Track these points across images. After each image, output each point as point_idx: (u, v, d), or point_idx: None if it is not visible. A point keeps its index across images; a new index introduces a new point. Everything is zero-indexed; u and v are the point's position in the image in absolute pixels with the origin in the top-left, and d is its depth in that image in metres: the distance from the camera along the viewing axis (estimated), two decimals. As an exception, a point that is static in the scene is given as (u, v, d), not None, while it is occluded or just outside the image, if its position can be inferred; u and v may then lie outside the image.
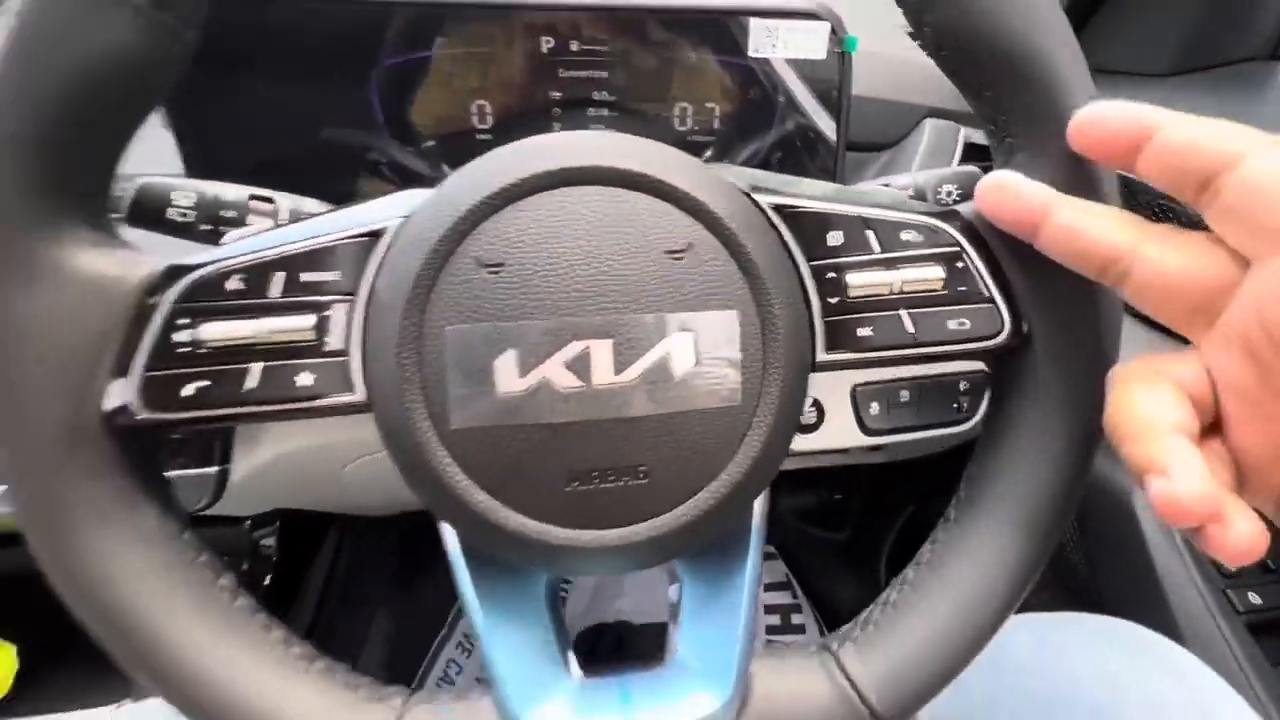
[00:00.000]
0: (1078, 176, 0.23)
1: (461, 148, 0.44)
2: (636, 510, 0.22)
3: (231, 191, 0.31)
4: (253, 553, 0.58)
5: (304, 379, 0.22)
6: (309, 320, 0.23)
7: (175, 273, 0.22)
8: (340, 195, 0.35)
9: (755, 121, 0.46)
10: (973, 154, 0.48)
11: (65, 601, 0.21)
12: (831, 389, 0.49)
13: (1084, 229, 0.21)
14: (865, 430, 0.53)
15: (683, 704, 0.24)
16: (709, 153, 0.45)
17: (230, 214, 0.31)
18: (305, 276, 0.23)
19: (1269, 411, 0.18)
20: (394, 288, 0.22)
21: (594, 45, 0.42)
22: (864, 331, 0.24)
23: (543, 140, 0.23)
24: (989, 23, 0.23)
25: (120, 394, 0.21)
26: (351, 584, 0.66)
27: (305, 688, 0.23)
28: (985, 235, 0.24)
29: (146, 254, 0.23)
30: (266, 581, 0.56)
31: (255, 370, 0.22)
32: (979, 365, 0.54)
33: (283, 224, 0.32)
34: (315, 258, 0.23)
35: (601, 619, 0.99)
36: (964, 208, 0.26)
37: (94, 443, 0.21)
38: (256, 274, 0.22)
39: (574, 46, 0.42)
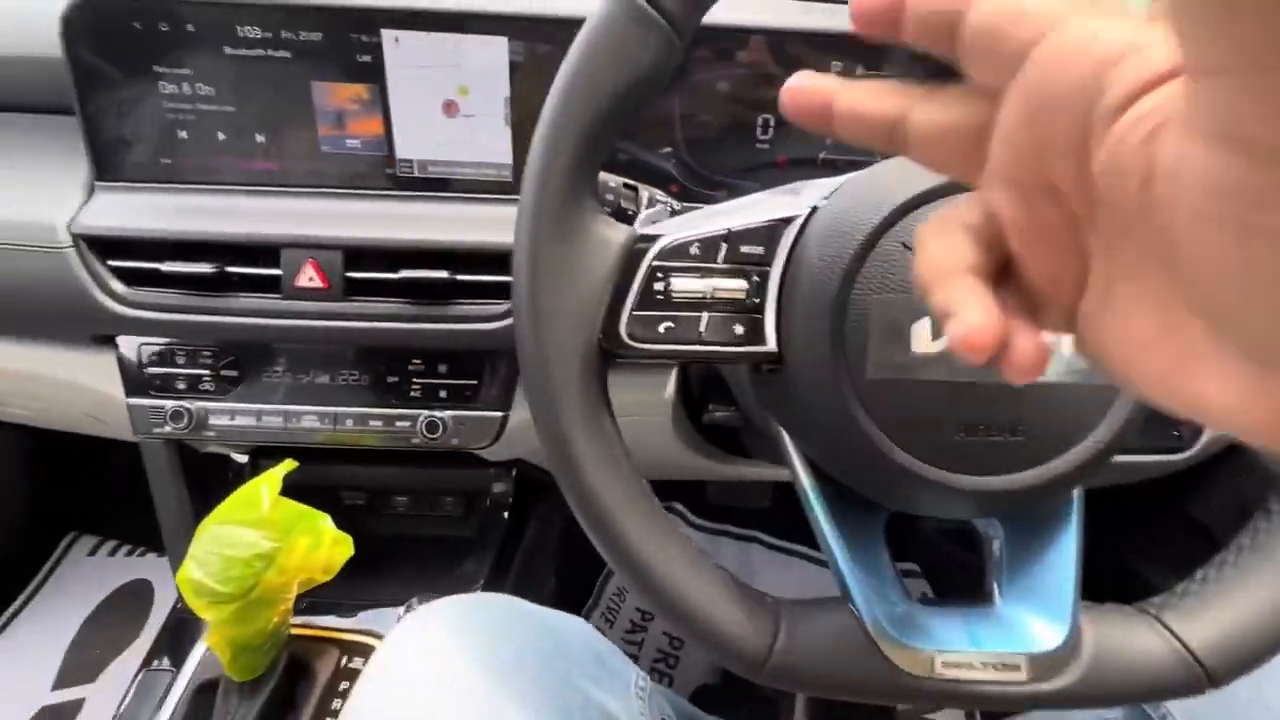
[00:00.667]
0: None
1: (731, 157, 0.50)
2: (1011, 462, 0.26)
3: (612, 179, 0.38)
4: (488, 494, 0.66)
5: (738, 329, 0.28)
6: (743, 284, 0.28)
7: (644, 239, 0.29)
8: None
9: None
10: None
11: (556, 478, 0.28)
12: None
13: (859, 103, 0.21)
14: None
15: (1023, 638, 0.28)
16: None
17: (610, 197, 0.38)
18: (743, 249, 0.29)
19: (1043, 239, 0.17)
20: (827, 261, 0.27)
21: (876, 71, 0.47)
22: None
23: None
24: None
25: (616, 325, 0.28)
26: (540, 533, 0.74)
27: (712, 583, 0.28)
28: None
29: (619, 223, 0.30)
30: (505, 515, 0.65)
31: (705, 318, 0.28)
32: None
33: (650, 209, 0.38)
34: (747, 235, 0.29)
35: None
36: None
37: (590, 360, 0.28)
38: (709, 244, 0.28)
39: (858, 72, 0.47)
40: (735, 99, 0.49)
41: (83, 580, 1.00)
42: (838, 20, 0.46)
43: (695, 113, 0.49)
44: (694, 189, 0.51)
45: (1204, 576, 0.29)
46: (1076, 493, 0.30)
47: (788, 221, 0.29)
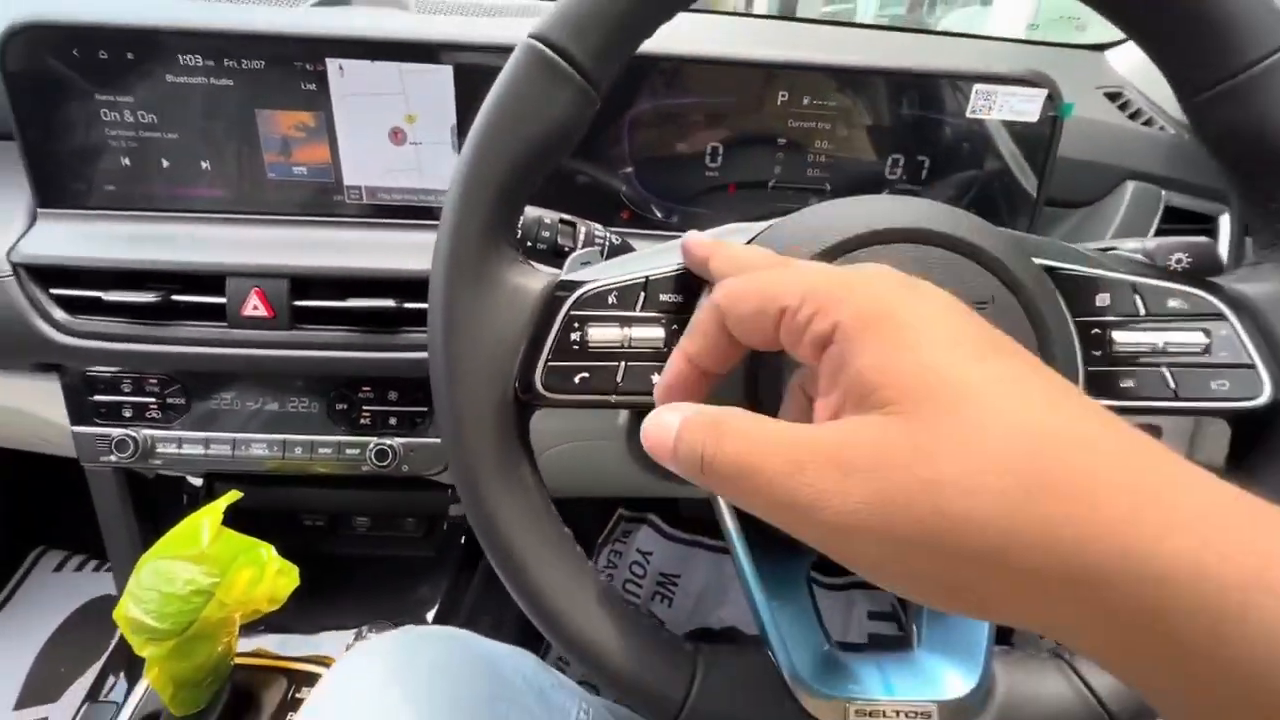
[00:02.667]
0: None
1: (683, 183, 0.50)
2: None
3: (549, 216, 0.38)
4: (447, 516, 0.66)
5: (655, 378, 0.28)
6: (660, 332, 0.28)
7: (565, 286, 0.29)
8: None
9: (960, 173, 0.49)
10: (1172, 217, 0.49)
11: (470, 523, 0.28)
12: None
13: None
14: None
15: (936, 686, 0.28)
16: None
17: (546, 234, 0.38)
18: (661, 296, 0.28)
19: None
20: None
21: (823, 100, 0.47)
22: (1126, 383, 0.28)
23: (867, 202, 0.28)
24: (1272, 123, 0.26)
25: (531, 377, 0.28)
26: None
27: (626, 627, 0.28)
28: (1256, 307, 0.27)
29: (542, 269, 0.30)
30: (463, 540, 0.65)
31: (621, 368, 0.28)
32: (1153, 420, 0.55)
33: (589, 248, 0.38)
34: (666, 282, 0.29)
35: (705, 624, 1.03)
36: (1226, 280, 0.29)
37: (506, 412, 0.28)
38: (627, 292, 0.28)
39: (805, 100, 0.47)
40: (685, 127, 0.49)
41: (49, 595, 0.99)
42: (784, 52, 0.47)
43: (646, 140, 0.49)
44: (645, 215, 0.51)
45: None
46: None
47: None
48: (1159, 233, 0.50)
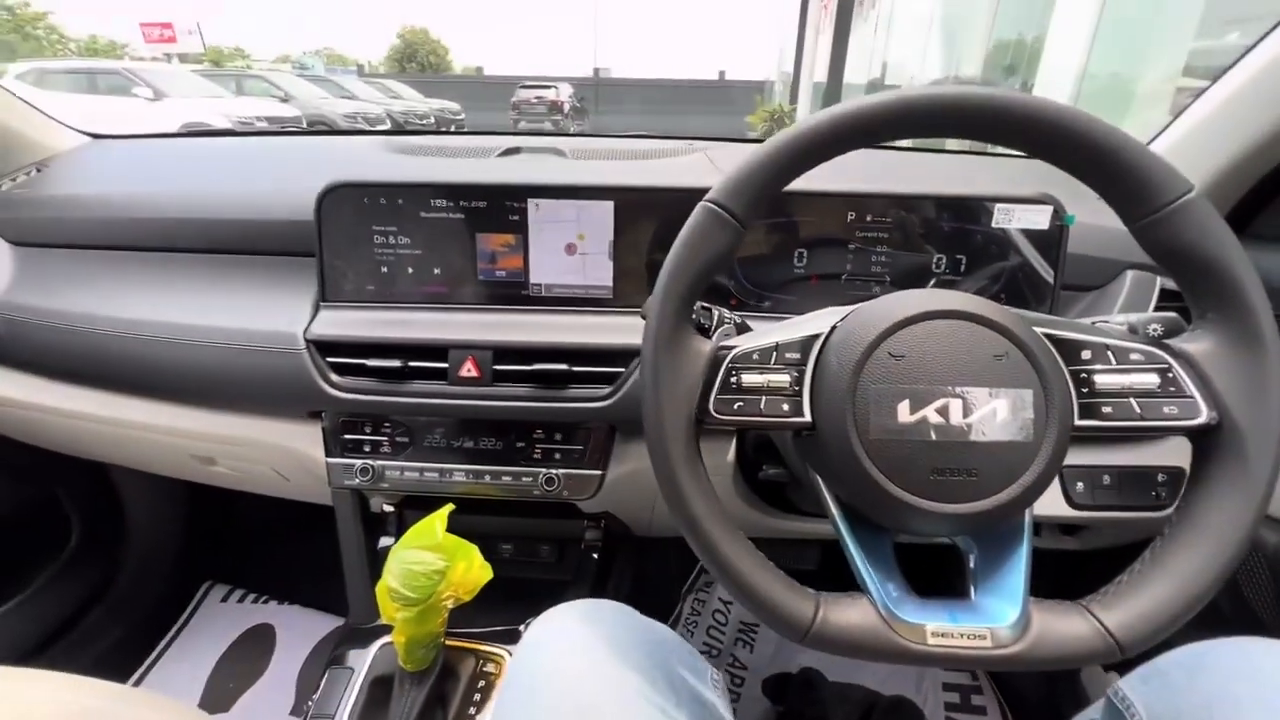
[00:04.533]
0: (1244, 335, 0.39)
1: (775, 278, 0.67)
2: (969, 495, 0.40)
3: (695, 304, 0.55)
4: (581, 540, 0.81)
5: (785, 406, 0.43)
6: (787, 377, 0.44)
7: (724, 349, 0.45)
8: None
9: (990, 267, 0.64)
10: (1167, 296, 0.63)
11: (668, 504, 0.43)
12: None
13: None
14: (1071, 504, 0.66)
15: (989, 617, 0.40)
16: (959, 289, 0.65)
17: (694, 316, 0.55)
18: (787, 355, 0.44)
19: None
20: (842, 364, 0.42)
21: (882, 218, 0.64)
22: (1106, 409, 0.42)
23: (920, 294, 0.44)
24: (1189, 244, 0.40)
25: (705, 406, 0.43)
26: (620, 578, 0.87)
27: (769, 574, 0.42)
28: (1192, 358, 0.41)
29: (706, 340, 0.46)
30: (596, 556, 0.79)
31: (763, 400, 0.44)
32: (1177, 462, 0.66)
33: (720, 324, 0.55)
34: (790, 346, 0.45)
35: (785, 669, 1.11)
36: (1172, 341, 0.43)
37: (690, 429, 0.43)
38: (765, 352, 0.44)
39: (868, 218, 0.64)
40: (778, 237, 0.66)
41: (219, 622, 1.17)
42: (851, 184, 0.64)
43: (749, 248, 0.67)
44: (746, 301, 0.68)
45: (1120, 580, 0.41)
46: (1026, 518, 0.43)
47: (816, 337, 0.45)
48: (1157, 309, 0.63)
